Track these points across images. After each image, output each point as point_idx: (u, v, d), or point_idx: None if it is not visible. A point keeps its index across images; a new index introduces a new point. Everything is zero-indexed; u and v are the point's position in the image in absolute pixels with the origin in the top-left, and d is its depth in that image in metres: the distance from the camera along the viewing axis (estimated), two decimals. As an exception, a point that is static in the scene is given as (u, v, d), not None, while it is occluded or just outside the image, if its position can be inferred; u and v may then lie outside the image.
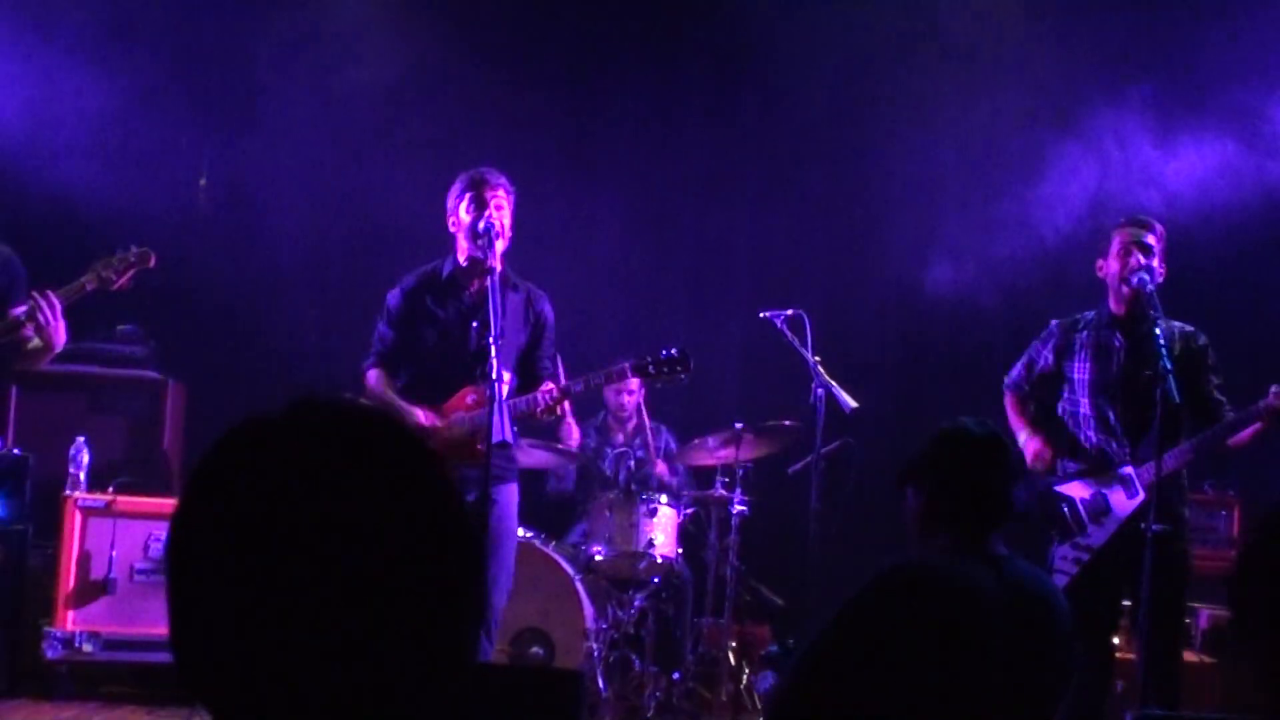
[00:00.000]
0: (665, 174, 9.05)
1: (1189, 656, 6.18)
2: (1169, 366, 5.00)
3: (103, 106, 8.07)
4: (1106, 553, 5.30)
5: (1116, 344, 5.42)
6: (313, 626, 1.37)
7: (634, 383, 7.74)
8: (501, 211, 5.44)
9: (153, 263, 5.69)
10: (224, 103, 8.61)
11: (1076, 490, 5.46)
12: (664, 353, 5.53)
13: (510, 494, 5.60)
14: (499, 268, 5.28)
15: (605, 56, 8.98)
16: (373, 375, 5.64)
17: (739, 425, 7.29)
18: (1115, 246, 5.46)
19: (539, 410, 5.35)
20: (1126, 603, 5.62)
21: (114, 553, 6.82)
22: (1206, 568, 7.24)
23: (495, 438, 4.76)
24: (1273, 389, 5.12)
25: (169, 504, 7.04)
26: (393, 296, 5.66)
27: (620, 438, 8.18)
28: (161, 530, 6.90)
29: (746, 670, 7.42)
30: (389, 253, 7.33)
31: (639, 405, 8.13)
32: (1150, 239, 5.43)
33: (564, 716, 3.91)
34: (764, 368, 8.23)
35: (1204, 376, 5.42)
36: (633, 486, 7.35)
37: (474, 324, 5.48)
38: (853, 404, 6.61)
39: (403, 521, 1.42)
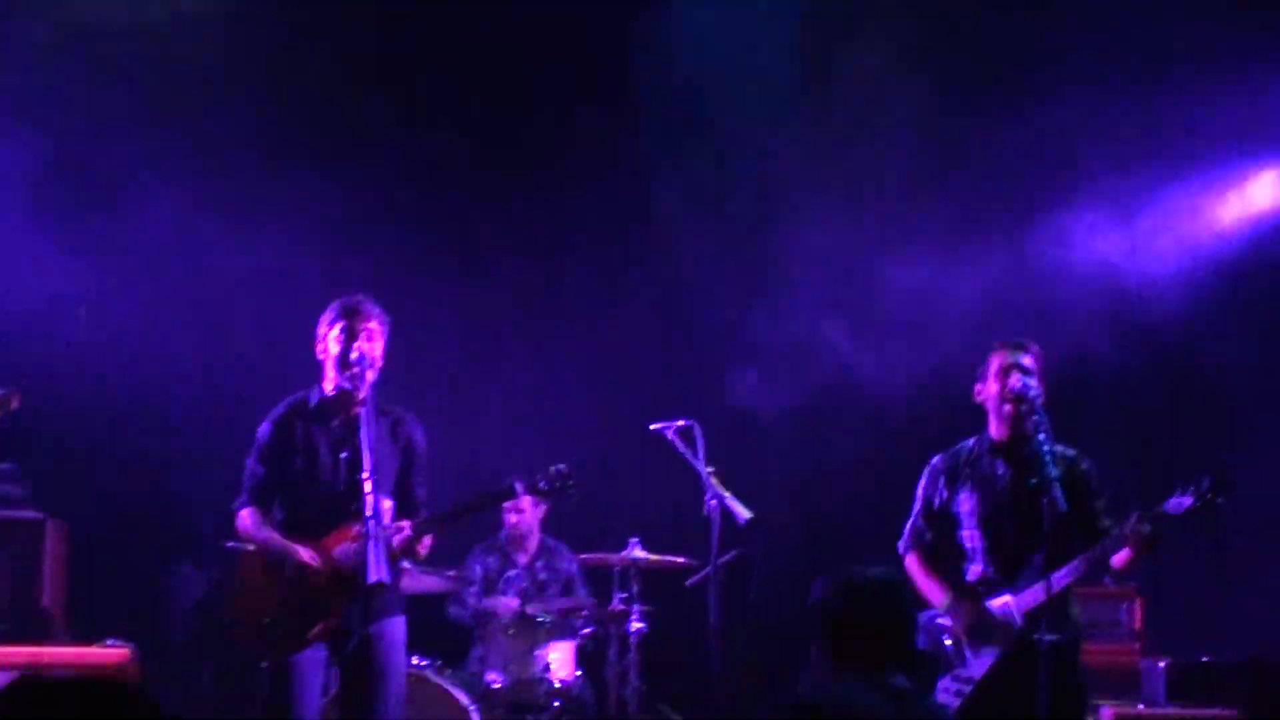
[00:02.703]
0: (559, 284, 8.99)
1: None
2: (1053, 474, 4.94)
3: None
4: (993, 680, 5.21)
5: (999, 470, 5.37)
6: None
7: (526, 501, 7.63)
8: (373, 343, 5.31)
9: (15, 405, 5.50)
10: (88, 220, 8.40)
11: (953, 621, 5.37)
12: (554, 469, 5.47)
13: (396, 627, 5.42)
14: (368, 400, 5.20)
15: (499, 170, 8.93)
16: (246, 515, 5.41)
17: (634, 541, 7.21)
18: (993, 368, 5.38)
19: (395, 548, 5.19)
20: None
21: (-12, 707, 6.54)
22: (1108, 663, 7.22)
23: (371, 578, 4.62)
24: (1133, 514, 5.04)
25: (48, 652, 6.80)
26: (262, 429, 5.46)
27: (522, 558, 8.05)
28: (40, 679, 6.66)
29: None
30: (277, 377, 7.16)
31: (537, 523, 8.02)
32: (1027, 360, 5.35)
33: None
34: (661, 479, 8.14)
35: (1090, 501, 5.32)
36: (527, 610, 7.21)
37: (343, 455, 5.31)
38: (746, 515, 6.52)
39: None
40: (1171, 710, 6.67)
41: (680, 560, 7.19)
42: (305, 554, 5.22)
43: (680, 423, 6.74)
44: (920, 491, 5.60)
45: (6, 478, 7.54)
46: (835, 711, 3.09)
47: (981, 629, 5.27)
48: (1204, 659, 6.97)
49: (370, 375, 5.26)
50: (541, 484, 5.45)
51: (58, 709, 1.43)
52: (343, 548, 5.21)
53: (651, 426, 6.82)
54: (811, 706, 3.10)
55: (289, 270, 8.05)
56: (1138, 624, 7.41)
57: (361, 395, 5.22)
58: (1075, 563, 5.08)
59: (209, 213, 8.14)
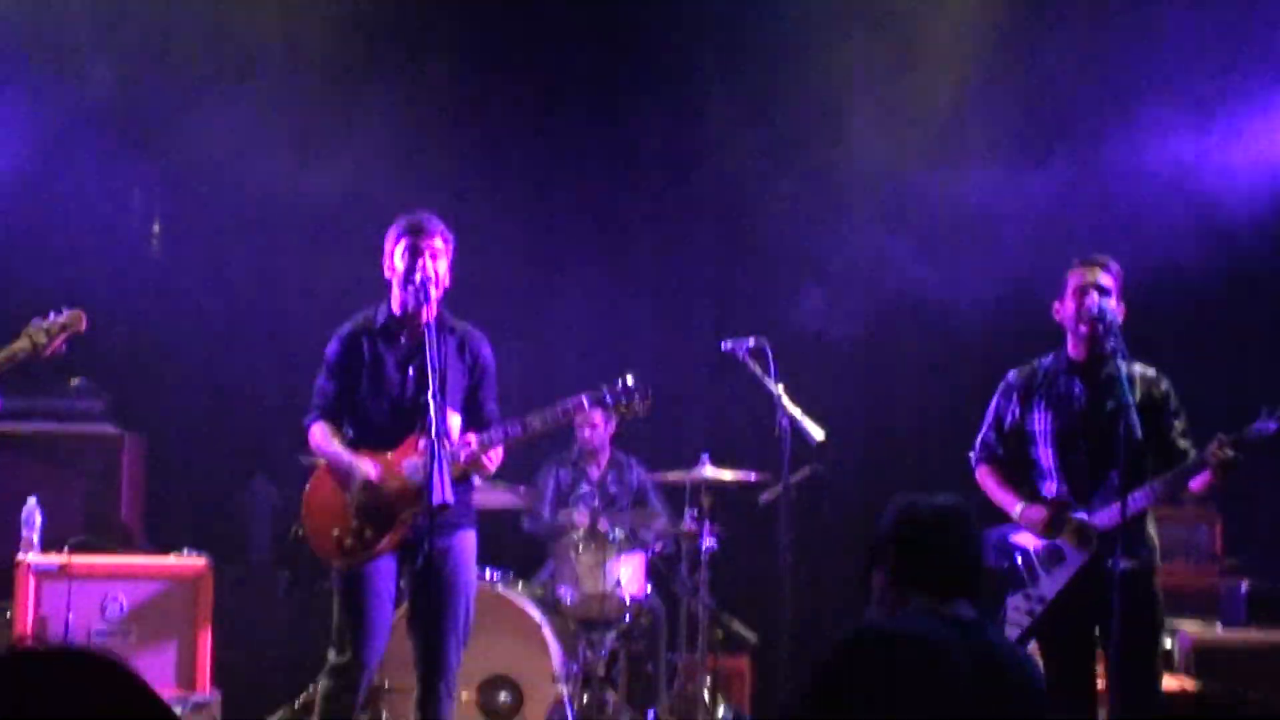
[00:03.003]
0: (626, 205, 8.91)
1: (1171, 682, 6.02)
2: (1130, 401, 4.86)
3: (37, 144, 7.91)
4: (1066, 599, 5.15)
5: (1076, 391, 5.27)
6: None
7: (598, 416, 7.63)
8: (437, 260, 5.30)
9: (84, 325, 5.54)
10: (171, 141, 8.44)
11: (1030, 541, 5.29)
12: (620, 383, 5.41)
13: (466, 541, 5.45)
14: (433, 318, 5.19)
15: (564, 92, 8.84)
16: (317, 430, 5.44)
17: (705, 458, 7.20)
18: (1070, 287, 5.26)
19: (461, 463, 5.20)
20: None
21: (71, 616, 6.66)
22: (1187, 585, 7.14)
23: (436, 499, 4.61)
24: (1217, 438, 4.93)
25: (128, 564, 6.91)
26: (330, 347, 5.49)
27: (594, 473, 8.05)
28: (120, 590, 6.78)
29: (722, 706, 7.28)
30: (347, 293, 7.17)
31: (609, 439, 8.01)
32: (1105, 279, 5.23)
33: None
34: (731, 399, 8.10)
35: (1166, 421, 5.22)
36: (598, 526, 7.22)
37: (410, 371, 5.34)
38: (819, 435, 6.49)
39: None
40: (1252, 633, 6.57)
41: (752, 477, 7.16)
42: (370, 468, 5.26)
43: (751, 342, 6.69)
44: (993, 406, 5.51)
45: (83, 393, 7.64)
46: (900, 641, 3.04)
47: (1056, 544, 5.20)
48: (1286, 582, 6.87)
49: (435, 292, 5.25)
50: (608, 398, 5.40)
51: (42, 684, 1.42)
52: (410, 461, 5.23)
53: (723, 345, 6.78)
54: (875, 635, 3.06)
55: (358, 190, 8.04)
56: (1218, 546, 7.30)
57: (427, 312, 5.21)
58: (1153, 486, 4.99)
59: (279, 133, 8.12)
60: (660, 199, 8.87)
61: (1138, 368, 5.23)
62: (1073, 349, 5.33)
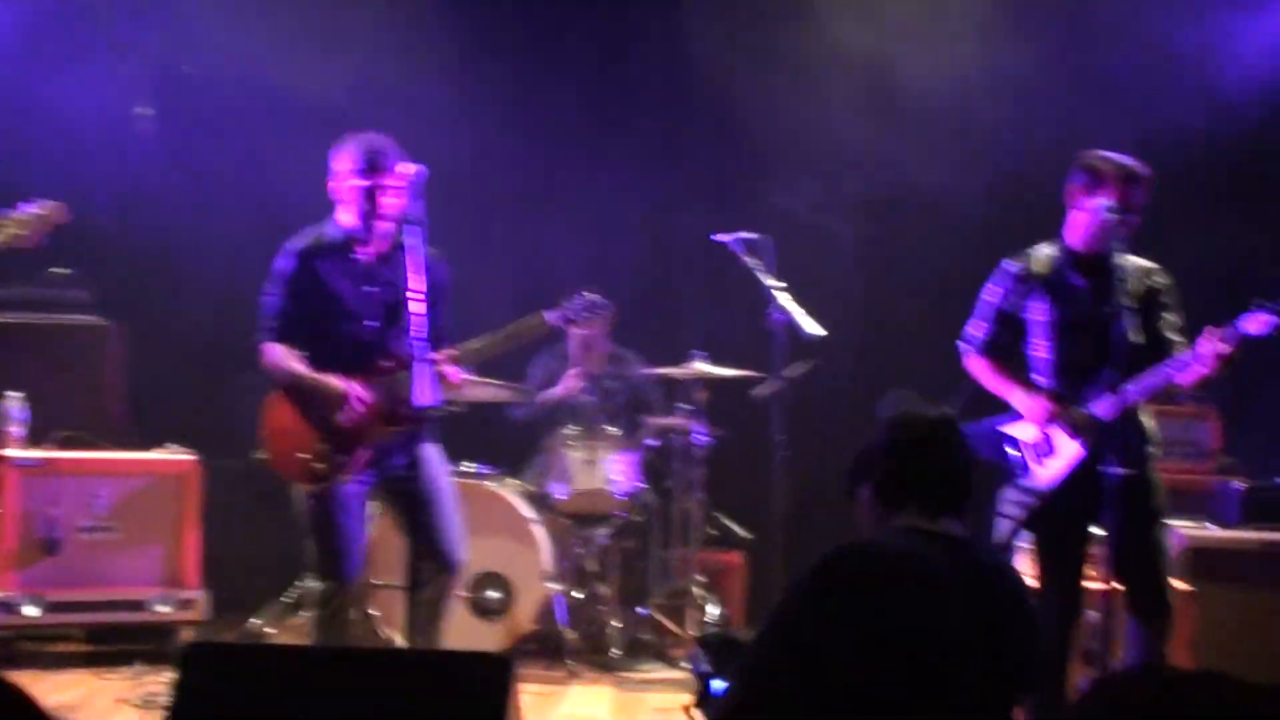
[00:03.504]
0: (618, 99, 8.73)
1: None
2: (1125, 305, 4.78)
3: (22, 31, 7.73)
4: (1062, 493, 5.09)
5: (1077, 283, 5.15)
6: None
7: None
8: (394, 197, 5.13)
9: (65, 217, 5.40)
10: (159, 28, 8.24)
11: (1025, 432, 5.23)
12: (579, 298, 5.44)
13: (434, 452, 5.36)
14: (402, 232, 5.07)
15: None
16: (275, 350, 5.29)
17: (698, 354, 7.13)
18: (1103, 197, 5.03)
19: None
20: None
21: (56, 511, 6.61)
22: (1183, 482, 7.06)
23: (418, 402, 4.51)
24: (1205, 331, 4.79)
25: (114, 459, 6.85)
26: (283, 263, 5.29)
27: (591, 368, 7.94)
28: (106, 486, 6.72)
29: (714, 602, 7.26)
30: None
31: (607, 334, 7.90)
32: (1139, 195, 5.05)
33: (493, 701, 3.71)
34: (725, 293, 8.01)
35: (1160, 315, 5.14)
36: (591, 421, 7.16)
37: (366, 289, 5.24)
38: (814, 331, 6.40)
39: None
40: (1247, 533, 6.50)
41: (745, 373, 7.08)
42: (343, 384, 5.15)
43: (745, 235, 6.61)
44: (989, 295, 5.37)
45: (69, 283, 7.50)
46: (885, 559, 2.97)
47: (1046, 443, 5.14)
48: (1280, 482, 6.80)
49: (393, 227, 5.18)
50: (570, 314, 5.43)
51: None
52: (374, 384, 5.17)
53: (717, 238, 6.69)
54: (860, 554, 2.98)
55: (349, 83, 7.95)
56: (1215, 444, 7.21)
57: (384, 243, 5.22)
58: (1146, 380, 4.90)
59: (270, 21, 7.97)
60: (652, 93, 8.71)
61: (1137, 261, 5.13)
62: (1077, 242, 5.19)
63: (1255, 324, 4.72)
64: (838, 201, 8.53)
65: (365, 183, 5.13)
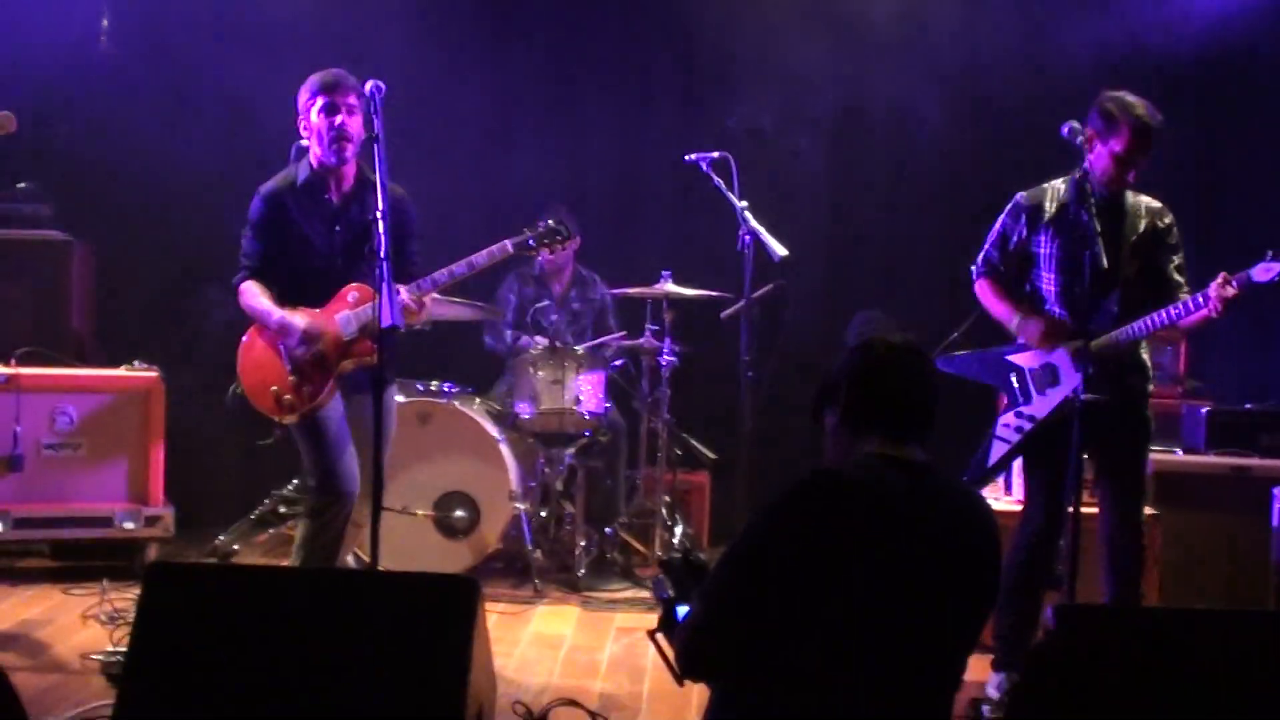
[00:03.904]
0: (585, 17, 8.61)
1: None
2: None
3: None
4: (1056, 420, 5.16)
5: (1085, 218, 5.15)
6: None
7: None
8: (354, 117, 5.31)
9: (12, 128, 5.32)
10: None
11: (1027, 360, 5.31)
12: (543, 224, 5.59)
13: (389, 394, 5.52)
14: (353, 172, 5.38)
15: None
16: (246, 288, 5.46)
17: (666, 275, 7.10)
18: (1121, 144, 5.04)
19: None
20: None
21: (19, 428, 6.57)
22: (1151, 407, 7.09)
23: (385, 322, 4.52)
24: (1220, 276, 4.87)
25: (77, 375, 6.81)
26: (254, 206, 5.47)
27: (556, 289, 7.91)
28: (70, 403, 6.68)
29: (680, 522, 7.28)
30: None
31: (572, 256, 7.86)
32: (1149, 145, 5.06)
33: (460, 622, 3.71)
34: (692, 214, 7.97)
35: (1165, 254, 5.21)
36: (558, 343, 7.13)
37: (337, 228, 5.41)
38: (781, 252, 6.41)
39: None
40: (1211, 457, 6.56)
41: (713, 293, 7.06)
42: (299, 319, 5.34)
43: (715, 154, 6.60)
44: (999, 225, 5.43)
45: (30, 197, 7.40)
46: (847, 487, 2.97)
47: (1052, 363, 5.22)
48: (1247, 407, 6.83)
49: (351, 149, 5.33)
50: (531, 240, 5.56)
51: None
52: (342, 315, 5.36)
53: (686, 157, 6.67)
54: (825, 479, 2.98)
55: (317, 17, 7.98)
56: (1181, 369, 7.24)
57: (348, 168, 5.36)
58: (1152, 318, 5.00)
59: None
60: (616, 14, 8.59)
61: (1144, 200, 5.22)
62: (1090, 181, 5.18)
63: (1268, 273, 4.86)
64: (804, 118, 8.48)
65: (324, 99, 5.30)
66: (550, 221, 5.57)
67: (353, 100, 5.29)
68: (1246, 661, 2.89)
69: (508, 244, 5.49)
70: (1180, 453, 6.65)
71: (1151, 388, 5.35)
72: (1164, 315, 4.98)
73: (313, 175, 5.43)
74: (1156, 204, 5.26)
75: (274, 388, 5.37)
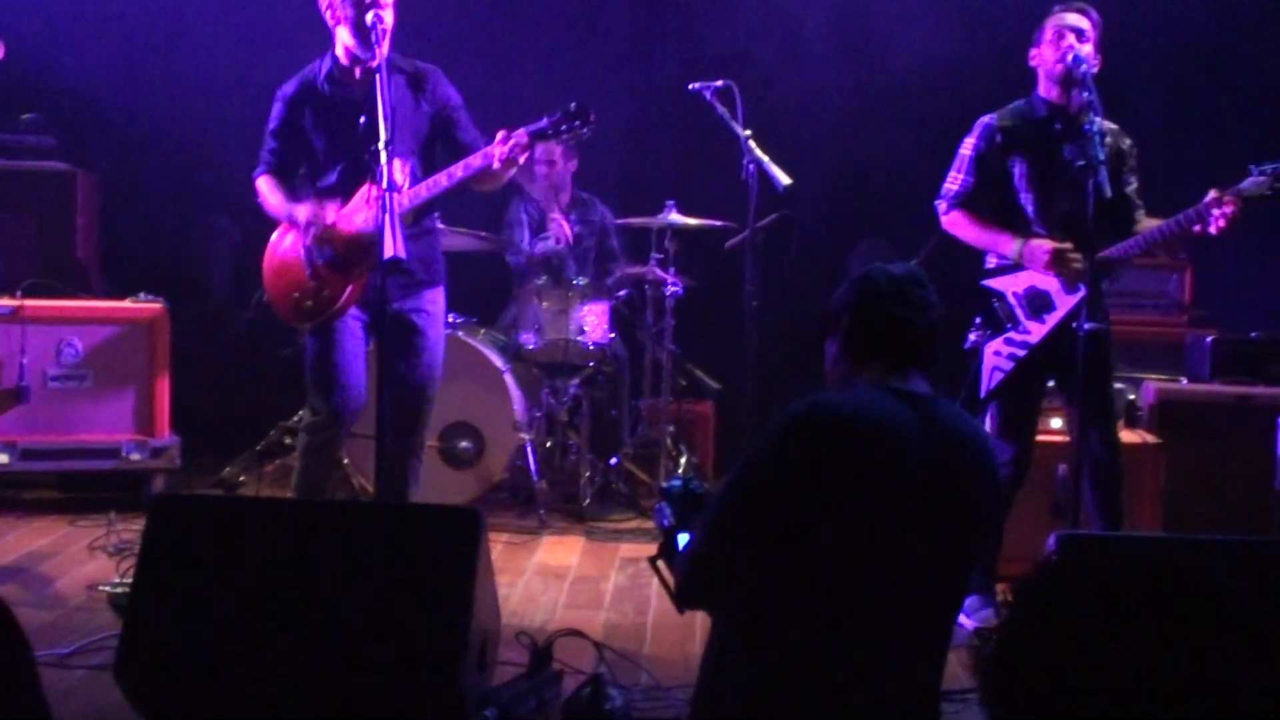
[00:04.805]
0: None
1: (1132, 436, 6.01)
2: (1102, 158, 4.77)
3: None
4: (1041, 346, 5.13)
5: (1050, 137, 5.13)
6: None
7: (557, 153, 7.46)
8: (385, 9, 5.05)
9: (1, 54, 5.30)
10: None
11: (1008, 284, 5.22)
12: (560, 112, 5.01)
13: (433, 301, 5.47)
14: (384, 63, 4.87)
15: None
16: (261, 183, 5.40)
17: (670, 204, 7.07)
18: (1049, 34, 5.15)
19: (495, 166, 4.98)
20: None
21: (25, 360, 6.58)
22: (1154, 335, 7.09)
23: (385, 253, 4.45)
24: (1211, 192, 4.85)
25: (83, 306, 6.81)
26: (275, 103, 5.38)
27: (555, 212, 7.86)
28: (75, 335, 6.69)
29: (685, 452, 7.30)
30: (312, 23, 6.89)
31: (570, 177, 7.80)
32: (1085, 24, 5.13)
33: (464, 553, 3.74)
34: (697, 144, 7.92)
35: (1125, 177, 5.22)
36: (563, 273, 7.12)
37: (361, 120, 5.10)
38: (785, 181, 6.35)
39: None
40: (1216, 386, 6.53)
41: (717, 223, 7.04)
42: (304, 210, 5.22)
43: (719, 83, 6.52)
44: (971, 151, 5.29)
45: (34, 128, 7.39)
46: (848, 417, 2.96)
47: (1040, 289, 5.17)
48: (1252, 335, 6.81)
49: (385, 43, 4.99)
50: (548, 127, 5.00)
51: None
52: (365, 215, 5.13)
53: (690, 86, 6.61)
54: (824, 408, 2.98)
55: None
56: (1186, 297, 7.22)
57: (376, 62, 4.90)
58: (1151, 233, 5.01)
59: None
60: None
61: (1107, 123, 5.12)
62: (1046, 91, 5.20)
63: (1256, 186, 4.85)
64: (810, 50, 8.41)
65: None
66: (570, 106, 5.01)
67: None
68: (1259, 592, 2.89)
69: (522, 131, 5.00)
70: (1185, 381, 6.63)
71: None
72: (1173, 224, 4.94)
73: (337, 67, 5.26)
74: (1115, 126, 5.23)
75: (295, 294, 5.29)
